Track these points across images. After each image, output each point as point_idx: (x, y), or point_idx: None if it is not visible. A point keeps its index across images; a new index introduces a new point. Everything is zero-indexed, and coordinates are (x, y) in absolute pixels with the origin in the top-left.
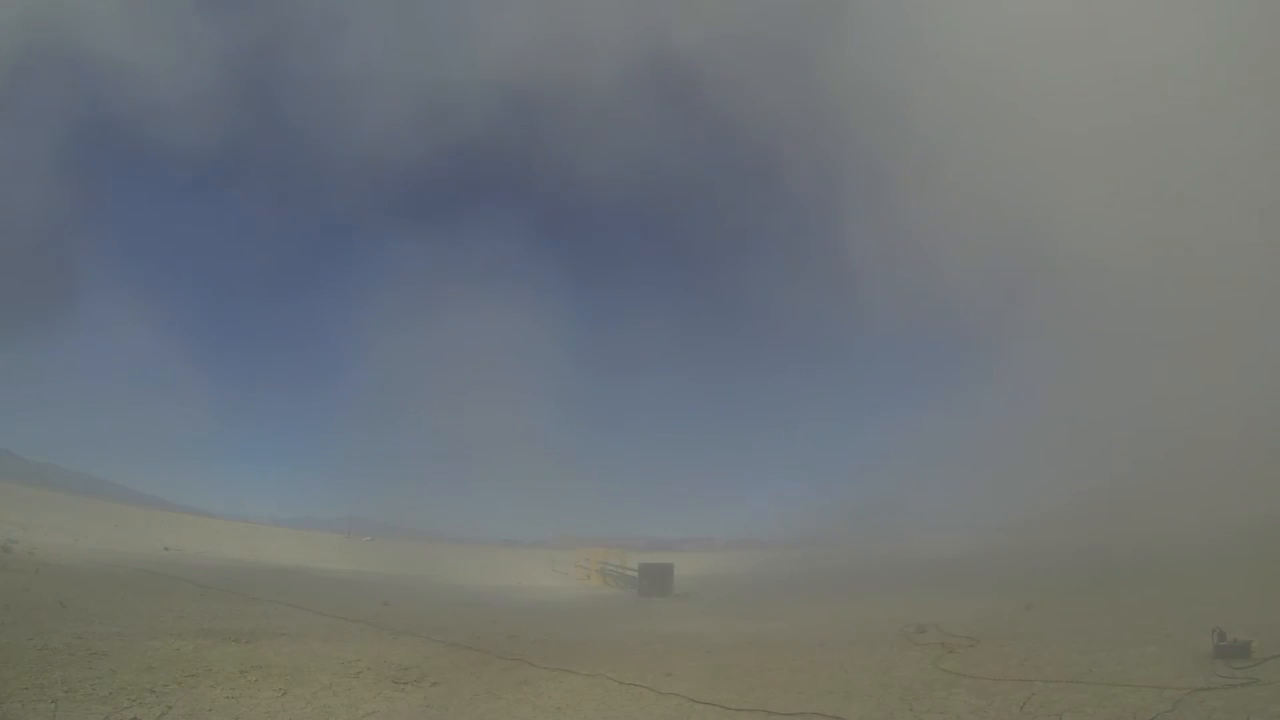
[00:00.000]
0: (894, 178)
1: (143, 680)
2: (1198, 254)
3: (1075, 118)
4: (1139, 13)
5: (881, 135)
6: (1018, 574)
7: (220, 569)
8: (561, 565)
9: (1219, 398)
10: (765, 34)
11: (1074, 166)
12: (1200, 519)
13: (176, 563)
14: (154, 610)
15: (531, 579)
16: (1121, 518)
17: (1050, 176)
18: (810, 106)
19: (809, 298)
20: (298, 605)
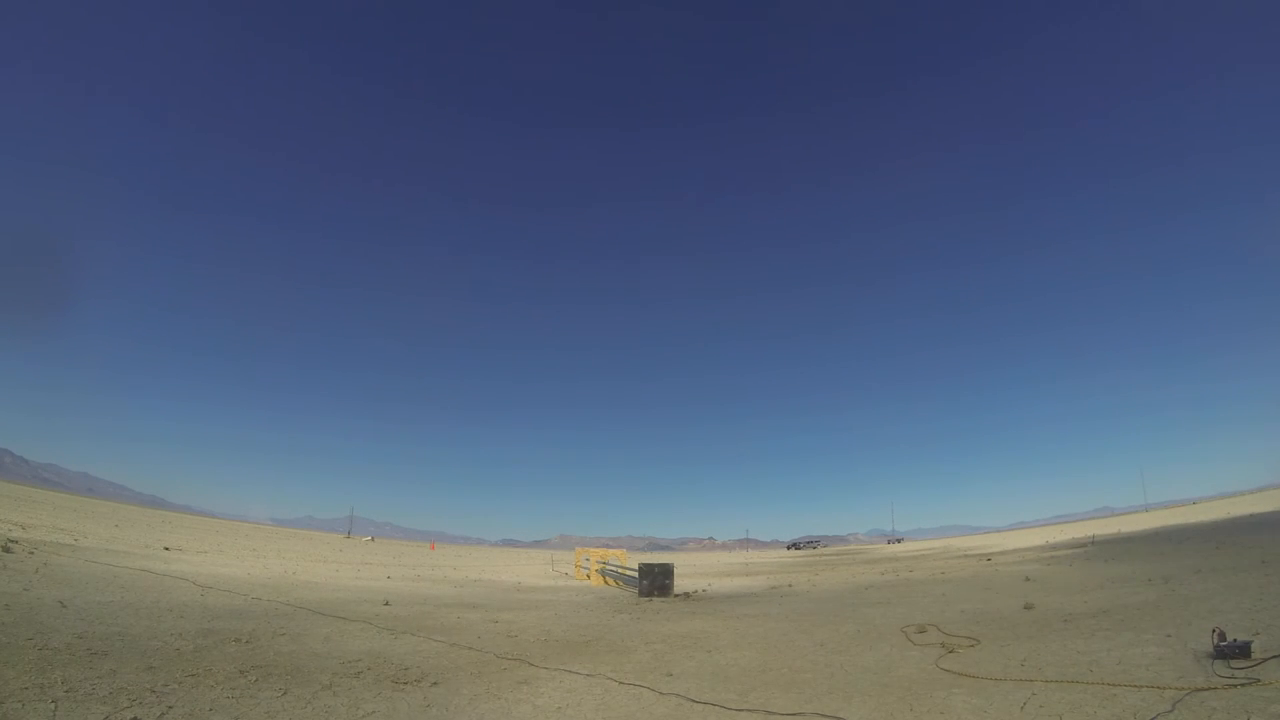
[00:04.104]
0: None
1: (143, 680)
2: None
3: None
4: None
5: None
6: None
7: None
8: (561, 565)
9: None
10: None
11: None
12: None
13: (175, 566)
14: (154, 610)
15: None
16: None
17: None
18: None
19: None
20: (298, 605)
